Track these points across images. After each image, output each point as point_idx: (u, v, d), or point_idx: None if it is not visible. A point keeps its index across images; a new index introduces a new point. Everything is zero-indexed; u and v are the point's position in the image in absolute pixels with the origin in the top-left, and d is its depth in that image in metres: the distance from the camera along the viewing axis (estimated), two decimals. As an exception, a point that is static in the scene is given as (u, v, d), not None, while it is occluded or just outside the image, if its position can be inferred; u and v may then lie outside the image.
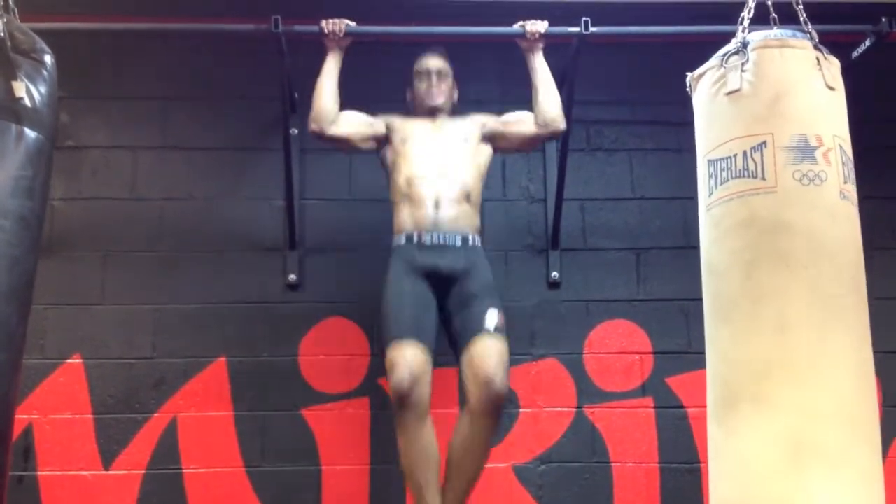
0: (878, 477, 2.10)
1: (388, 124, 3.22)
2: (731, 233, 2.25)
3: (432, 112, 3.24)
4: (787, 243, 2.16)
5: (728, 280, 2.24)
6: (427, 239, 3.02)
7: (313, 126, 3.14)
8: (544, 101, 3.17)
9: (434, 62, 3.28)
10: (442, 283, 3.00)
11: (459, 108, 3.35)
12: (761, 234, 2.18)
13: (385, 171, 3.24)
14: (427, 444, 2.84)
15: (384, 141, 3.22)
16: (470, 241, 3.06)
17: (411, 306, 2.94)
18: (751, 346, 2.16)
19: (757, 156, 2.22)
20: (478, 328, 2.92)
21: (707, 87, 2.39)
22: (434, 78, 3.25)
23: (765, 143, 2.22)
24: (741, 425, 2.13)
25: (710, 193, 2.32)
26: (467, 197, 3.09)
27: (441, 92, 3.25)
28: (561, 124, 3.18)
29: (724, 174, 2.27)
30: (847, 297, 2.16)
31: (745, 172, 2.22)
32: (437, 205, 3.04)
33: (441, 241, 3.02)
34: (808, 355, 2.10)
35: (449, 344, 3.02)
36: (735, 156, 2.25)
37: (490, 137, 3.23)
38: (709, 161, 2.34)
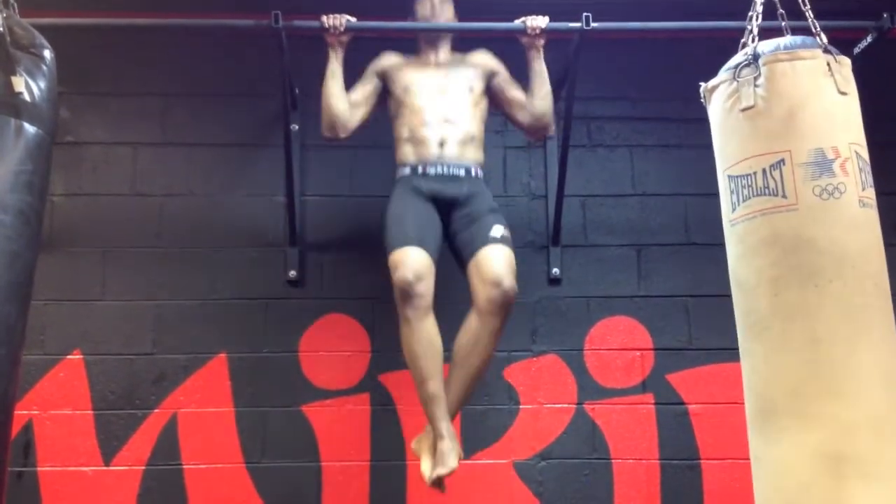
0: None
1: (385, 74, 3.22)
2: (756, 250, 2.27)
3: (434, 42, 3.24)
4: (812, 260, 2.18)
5: (757, 297, 2.26)
6: (431, 170, 3.07)
7: (328, 134, 3.16)
8: (537, 103, 3.19)
9: None
10: (446, 207, 3.07)
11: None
12: (786, 252, 2.21)
13: (388, 116, 3.25)
14: (430, 336, 2.88)
15: (384, 92, 3.23)
16: (473, 173, 3.11)
17: (414, 219, 3.00)
18: (784, 362, 2.19)
19: (776, 174, 2.24)
20: (484, 238, 2.99)
21: (721, 100, 2.41)
22: (437, 2, 3.26)
23: (783, 160, 2.24)
24: (779, 437, 2.17)
25: (733, 209, 2.35)
26: (472, 139, 3.13)
27: (444, 17, 3.26)
28: (548, 129, 3.25)
29: (746, 192, 2.30)
30: (873, 305, 2.19)
31: (766, 191, 2.25)
32: (441, 144, 3.08)
33: (445, 172, 3.07)
34: (839, 368, 2.13)
35: (456, 261, 3.07)
36: (755, 174, 2.28)
37: (490, 91, 3.25)
38: (729, 177, 2.36)
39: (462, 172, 3.09)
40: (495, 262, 2.94)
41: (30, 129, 2.31)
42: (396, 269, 2.88)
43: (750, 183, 2.28)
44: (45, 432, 3.37)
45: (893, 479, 2.09)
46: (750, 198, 2.28)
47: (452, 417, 2.94)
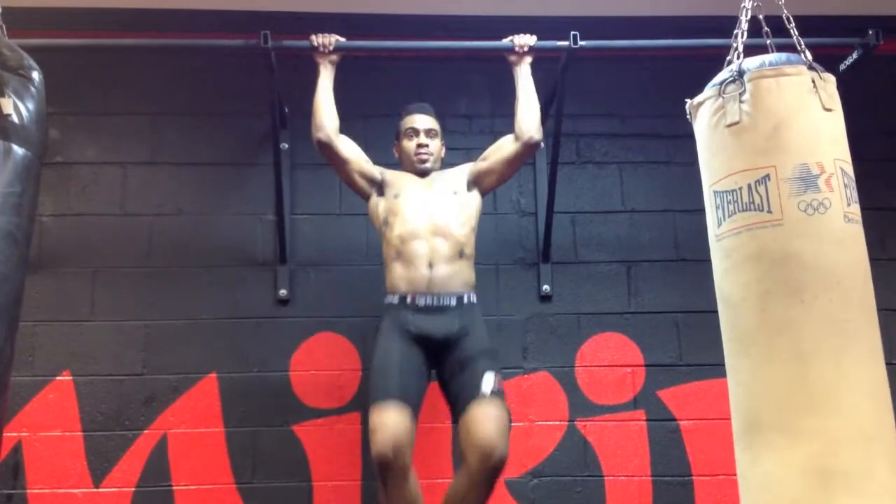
0: None
1: (383, 175, 3.16)
2: (742, 265, 2.28)
3: (425, 173, 3.17)
4: (798, 275, 2.19)
5: (743, 312, 2.27)
6: (421, 301, 2.95)
7: (319, 135, 3.08)
8: (522, 112, 3.13)
9: (423, 121, 3.20)
10: (436, 349, 2.94)
11: (449, 125, 3.36)
12: (772, 267, 2.22)
13: (375, 227, 3.16)
14: (409, 500, 2.81)
15: (375, 188, 3.15)
16: (465, 300, 2.99)
17: (398, 369, 2.87)
18: (770, 376, 2.19)
19: (762, 189, 2.25)
20: (475, 393, 2.83)
21: (707, 116, 2.42)
22: (423, 137, 3.18)
23: (768, 176, 2.25)
24: (766, 452, 2.17)
25: (719, 225, 2.36)
26: (461, 253, 3.01)
27: (430, 154, 3.17)
28: (536, 135, 3.11)
29: (731, 207, 2.30)
30: (858, 320, 2.20)
31: (752, 206, 2.26)
32: (430, 264, 2.97)
33: (435, 303, 2.95)
34: (826, 383, 2.14)
35: (449, 409, 2.96)
36: (740, 189, 2.29)
37: (476, 181, 3.16)
38: (715, 192, 2.37)
39: (453, 302, 2.96)
40: (485, 426, 2.78)
41: (18, 150, 2.31)
42: (374, 435, 2.74)
43: (735, 198, 2.29)
44: (34, 454, 3.35)
45: (881, 494, 2.09)
46: (735, 213, 2.29)
47: None
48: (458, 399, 2.88)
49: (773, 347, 2.19)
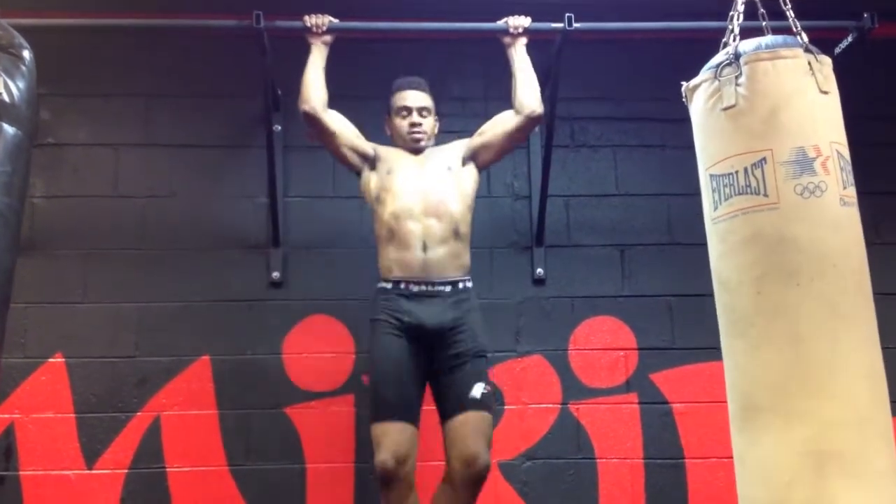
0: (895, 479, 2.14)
1: (375, 150, 3.13)
2: (738, 249, 2.28)
3: (419, 149, 3.14)
4: (794, 258, 2.19)
5: (739, 295, 2.27)
6: (414, 288, 2.93)
7: (305, 107, 3.04)
8: (521, 88, 3.10)
9: (415, 98, 3.15)
10: (430, 340, 2.92)
11: (443, 108, 3.34)
12: (768, 251, 2.22)
13: (368, 202, 3.13)
14: None
15: (367, 163, 3.12)
16: (460, 286, 2.97)
17: (397, 381, 2.87)
18: (766, 359, 2.20)
19: (758, 172, 2.25)
20: (462, 400, 2.86)
21: (703, 100, 2.41)
22: (416, 116, 3.13)
23: (764, 159, 2.25)
24: (762, 435, 2.18)
25: (715, 208, 2.35)
26: (456, 233, 2.98)
27: (423, 132, 3.13)
28: (538, 108, 3.08)
29: (727, 190, 2.30)
30: (854, 303, 2.20)
31: (748, 189, 2.26)
32: (424, 246, 2.95)
33: (429, 290, 2.94)
34: (821, 365, 2.14)
35: (434, 401, 2.96)
36: (736, 172, 2.28)
37: (473, 156, 3.14)
38: (711, 176, 2.37)
39: (447, 288, 2.94)
40: (470, 435, 2.81)
41: (8, 129, 2.29)
42: (378, 450, 2.79)
43: (731, 182, 2.29)
44: (27, 436, 3.34)
45: (876, 476, 2.10)
46: (731, 196, 2.29)
47: None
48: (447, 402, 2.90)
49: (768, 330, 2.20)
